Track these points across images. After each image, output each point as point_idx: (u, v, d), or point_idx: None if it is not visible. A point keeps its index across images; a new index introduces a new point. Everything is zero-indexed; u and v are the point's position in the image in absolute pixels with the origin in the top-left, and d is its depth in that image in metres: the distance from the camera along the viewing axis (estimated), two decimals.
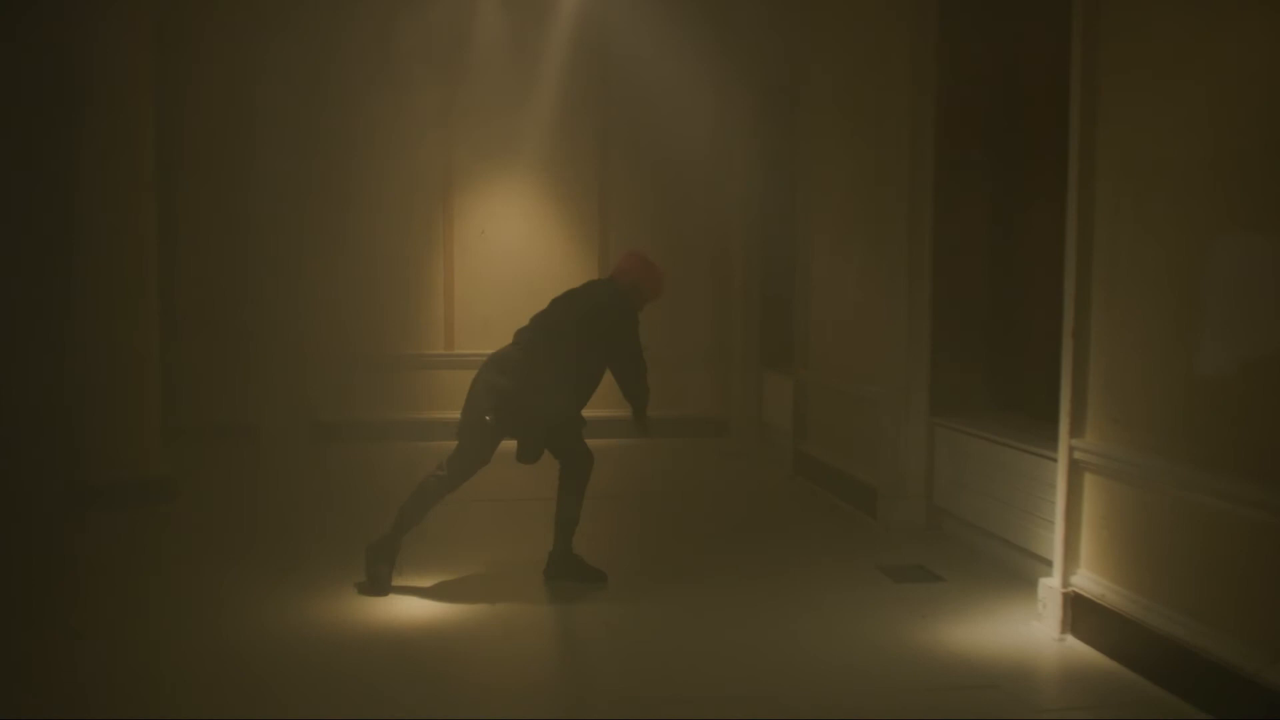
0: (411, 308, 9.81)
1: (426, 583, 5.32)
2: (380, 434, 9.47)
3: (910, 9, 6.38)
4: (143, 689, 4.08)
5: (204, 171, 9.23)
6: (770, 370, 9.56)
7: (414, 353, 9.80)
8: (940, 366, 6.51)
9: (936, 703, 3.98)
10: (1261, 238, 3.71)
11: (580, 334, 5.26)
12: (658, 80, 9.19)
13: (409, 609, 4.99)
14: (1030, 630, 4.74)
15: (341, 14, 9.22)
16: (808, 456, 8.10)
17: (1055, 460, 5.05)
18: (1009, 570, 5.55)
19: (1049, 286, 6.29)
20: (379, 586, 5.15)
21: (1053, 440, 5.28)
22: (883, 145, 6.68)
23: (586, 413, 5.40)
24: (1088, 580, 4.55)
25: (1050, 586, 4.73)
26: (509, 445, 5.30)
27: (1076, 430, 4.61)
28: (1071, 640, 4.58)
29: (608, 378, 5.41)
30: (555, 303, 5.50)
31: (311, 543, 6.19)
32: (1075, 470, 4.62)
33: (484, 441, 5.22)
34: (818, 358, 7.99)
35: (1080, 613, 4.56)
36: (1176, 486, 4.05)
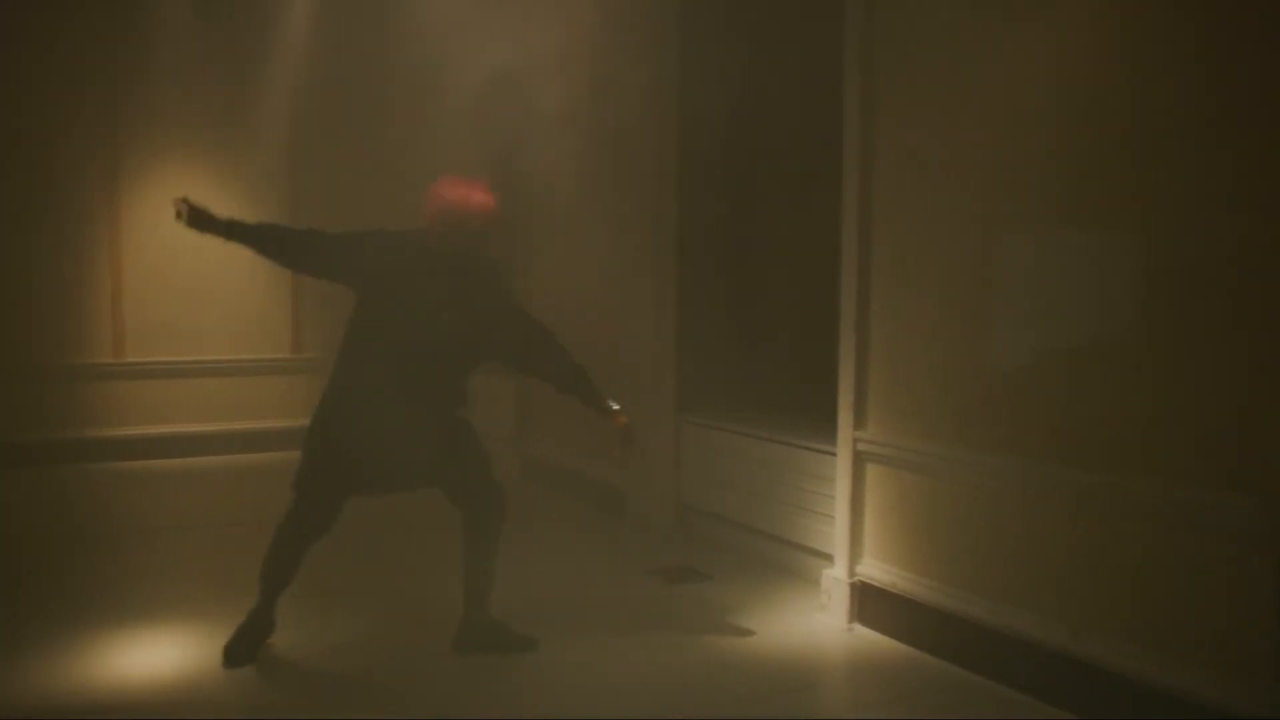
0: (70, 311, 8.46)
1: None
2: (34, 458, 8.13)
3: (654, 14, 6.30)
4: None
5: None
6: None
7: (74, 363, 8.47)
8: (685, 363, 6.48)
9: (765, 711, 3.86)
10: (1049, 233, 3.89)
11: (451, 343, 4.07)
12: (348, 47, 8.56)
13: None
14: (817, 622, 4.77)
15: None
16: (538, 460, 7.84)
17: (821, 452, 5.16)
18: (771, 563, 5.59)
19: (789, 285, 6.49)
20: None
21: (808, 433, 5.42)
22: (624, 141, 6.55)
23: None
24: (875, 569, 4.63)
25: (835, 577, 4.78)
26: None
27: (859, 422, 4.68)
28: (860, 629, 4.66)
29: None
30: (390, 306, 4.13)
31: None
32: (859, 461, 4.68)
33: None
34: None
35: (869, 601, 4.64)
36: (968, 472, 4.19)
